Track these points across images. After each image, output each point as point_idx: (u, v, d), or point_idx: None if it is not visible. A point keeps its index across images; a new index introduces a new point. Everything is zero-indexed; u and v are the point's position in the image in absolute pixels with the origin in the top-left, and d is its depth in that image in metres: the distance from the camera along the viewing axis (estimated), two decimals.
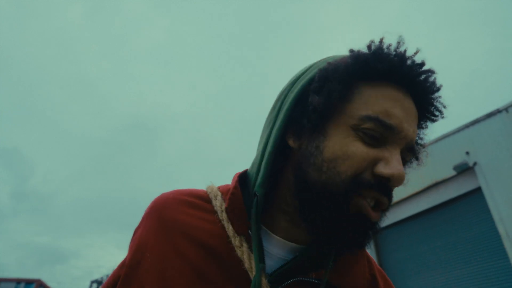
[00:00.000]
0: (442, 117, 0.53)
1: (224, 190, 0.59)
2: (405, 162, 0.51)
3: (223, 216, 0.52)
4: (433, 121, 0.54)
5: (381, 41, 0.47)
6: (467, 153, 8.39)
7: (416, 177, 9.46)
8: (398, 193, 9.86)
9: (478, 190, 8.18)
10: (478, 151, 8.23)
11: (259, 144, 0.55)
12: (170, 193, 0.58)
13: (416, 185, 9.37)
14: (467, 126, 8.58)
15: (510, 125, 7.80)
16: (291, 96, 0.50)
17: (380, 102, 0.45)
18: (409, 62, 0.47)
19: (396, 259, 9.83)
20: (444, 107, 0.51)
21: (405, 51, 0.46)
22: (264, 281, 0.45)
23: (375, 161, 0.45)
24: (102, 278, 26.78)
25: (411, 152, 0.50)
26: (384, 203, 0.49)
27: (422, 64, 0.47)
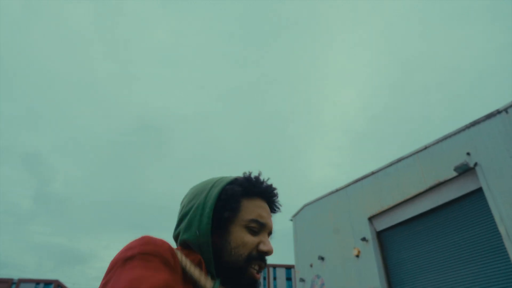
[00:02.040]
0: (280, 212, 0.89)
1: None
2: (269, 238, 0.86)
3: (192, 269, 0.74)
4: (276, 212, 0.90)
5: (250, 174, 0.86)
6: (468, 153, 8.45)
7: (418, 178, 9.55)
8: (400, 194, 9.94)
9: (479, 190, 8.24)
10: (479, 152, 8.29)
11: (189, 219, 0.82)
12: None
13: (418, 186, 9.45)
14: (467, 126, 8.64)
15: (510, 126, 7.83)
16: (208, 207, 0.80)
17: (255, 209, 0.82)
18: (266, 185, 0.85)
19: (400, 259, 9.93)
20: (281, 206, 0.90)
21: (265, 179, 0.87)
22: None
23: (258, 244, 0.80)
24: None
25: (270, 233, 0.85)
26: (263, 267, 0.82)
27: (271, 185, 0.87)
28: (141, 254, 0.63)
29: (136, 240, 0.68)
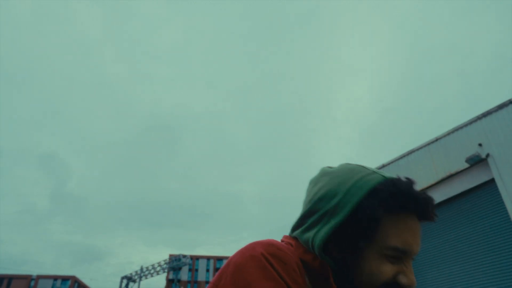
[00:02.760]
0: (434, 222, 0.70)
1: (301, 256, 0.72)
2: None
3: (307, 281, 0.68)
4: (430, 221, 0.71)
5: (397, 180, 0.66)
6: (480, 144, 8.38)
7: (430, 170, 9.51)
8: None
9: (492, 181, 8.18)
10: (491, 142, 8.22)
11: (307, 223, 0.72)
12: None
13: (430, 178, 9.42)
14: (479, 117, 8.56)
15: None
16: (342, 213, 0.65)
17: (400, 233, 0.63)
18: (420, 197, 0.64)
19: None
20: (436, 216, 0.70)
21: (415, 189, 0.66)
22: None
23: (397, 274, 0.64)
24: (131, 274, 27.87)
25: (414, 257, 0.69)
26: None
27: (429, 198, 0.66)
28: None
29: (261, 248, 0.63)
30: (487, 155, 8.21)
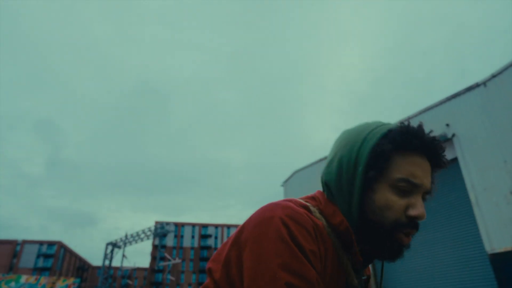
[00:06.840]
0: (446, 168, 0.78)
1: (323, 210, 0.78)
2: (424, 200, 0.76)
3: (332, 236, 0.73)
4: (441, 169, 0.78)
5: (408, 124, 0.74)
6: (447, 125, 8.83)
7: None
8: None
9: (455, 160, 8.70)
10: (458, 123, 8.66)
11: (336, 178, 0.76)
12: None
13: None
14: (448, 99, 8.95)
15: (487, 99, 8.15)
16: (360, 165, 0.72)
17: (408, 167, 0.70)
18: (427, 138, 0.72)
19: None
20: (448, 162, 0.77)
21: (423, 131, 0.72)
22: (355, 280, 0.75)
23: (407, 207, 0.70)
24: (116, 240, 28.48)
25: (427, 193, 0.75)
26: (413, 233, 0.73)
27: (435, 138, 0.73)
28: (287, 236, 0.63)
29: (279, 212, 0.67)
30: (453, 135, 8.68)
